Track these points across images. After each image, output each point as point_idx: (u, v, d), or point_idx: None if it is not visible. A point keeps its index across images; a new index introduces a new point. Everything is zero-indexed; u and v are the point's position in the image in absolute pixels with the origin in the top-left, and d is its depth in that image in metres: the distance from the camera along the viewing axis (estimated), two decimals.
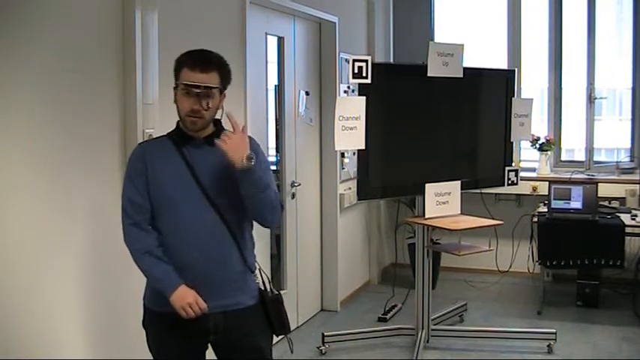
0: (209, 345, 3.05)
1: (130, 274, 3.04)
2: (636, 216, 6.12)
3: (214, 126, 2.96)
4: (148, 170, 2.86)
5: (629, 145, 7.29)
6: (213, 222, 2.86)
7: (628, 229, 6.03)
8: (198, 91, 2.78)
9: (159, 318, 2.92)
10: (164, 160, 2.87)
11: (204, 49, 2.92)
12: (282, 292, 5.49)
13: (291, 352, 3.41)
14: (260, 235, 5.04)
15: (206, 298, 2.81)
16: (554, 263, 6.13)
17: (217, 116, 2.95)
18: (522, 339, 5.44)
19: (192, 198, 2.84)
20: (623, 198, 6.71)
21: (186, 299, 2.76)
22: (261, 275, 3.13)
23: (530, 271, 6.78)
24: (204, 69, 2.82)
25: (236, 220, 2.92)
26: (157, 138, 3.05)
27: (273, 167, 5.44)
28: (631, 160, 7.20)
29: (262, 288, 3.10)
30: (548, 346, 5.29)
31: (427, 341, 5.31)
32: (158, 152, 2.90)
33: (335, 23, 6.04)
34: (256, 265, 3.11)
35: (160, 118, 3.69)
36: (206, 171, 2.87)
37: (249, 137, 2.95)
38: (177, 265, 2.82)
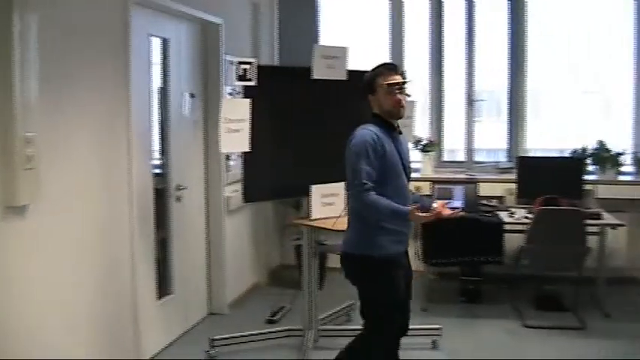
0: None
1: None
2: (514, 213, 6.35)
3: None
4: (385, 149, 3.89)
5: (506, 146, 7.56)
6: (408, 188, 4.11)
7: (507, 227, 6.26)
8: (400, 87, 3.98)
9: (392, 260, 4.01)
10: (388, 143, 3.92)
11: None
12: (168, 296, 5.48)
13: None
14: (145, 239, 4.98)
15: (408, 239, 4.14)
16: (438, 261, 6.30)
17: None
18: (408, 335, 5.49)
19: (402, 171, 4.01)
20: (502, 196, 6.95)
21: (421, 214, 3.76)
22: None
23: (415, 269, 6.91)
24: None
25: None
26: (372, 127, 3.96)
27: (158, 170, 5.38)
28: (509, 160, 7.46)
29: None
30: (433, 341, 5.42)
31: (316, 341, 5.36)
32: (384, 137, 3.92)
33: (220, 25, 6.00)
34: None
35: (41, 121, 3.60)
36: (402, 151, 4.04)
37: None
38: None
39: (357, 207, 3.94)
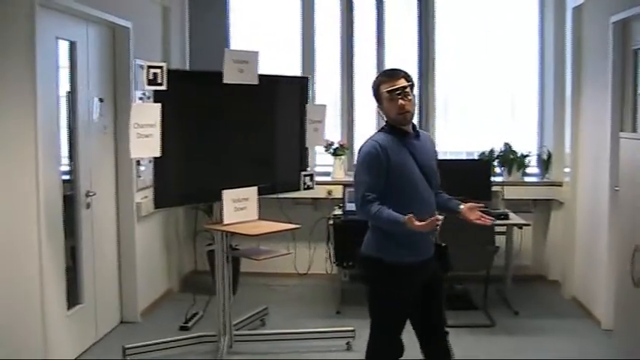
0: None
1: None
2: None
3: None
4: (390, 158, 3.83)
5: None
6: (430, 194, 3.99)
7: None
8: (399, 92, 3.86)
9: (402, 269, 3.90)
10: (396, 151, 3.87)
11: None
12: (79, 306, 5.37)
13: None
14: (54, 247, 4.87)
15: (428, 248, 4.01)
16: (350, 264, 6.37)
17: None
18: (323, 338, 5.58)
19: (419, 177, 3.90)
20: None
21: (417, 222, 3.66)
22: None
23: (328, 272, 6.97)
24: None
25: (434, 192, 4.05)
26: (378, 137, 3.95)
27: (67, 177, 5.27)
28: None
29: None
30: (347, 343, 5.47)
31: (230, 347, 5.34)
32: (391, 146, 3.87)
33: (129, 28, 5.92)
34: None
35: None
36: (419, 156, 3.93)
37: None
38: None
39: (361, 218, 3.98)
